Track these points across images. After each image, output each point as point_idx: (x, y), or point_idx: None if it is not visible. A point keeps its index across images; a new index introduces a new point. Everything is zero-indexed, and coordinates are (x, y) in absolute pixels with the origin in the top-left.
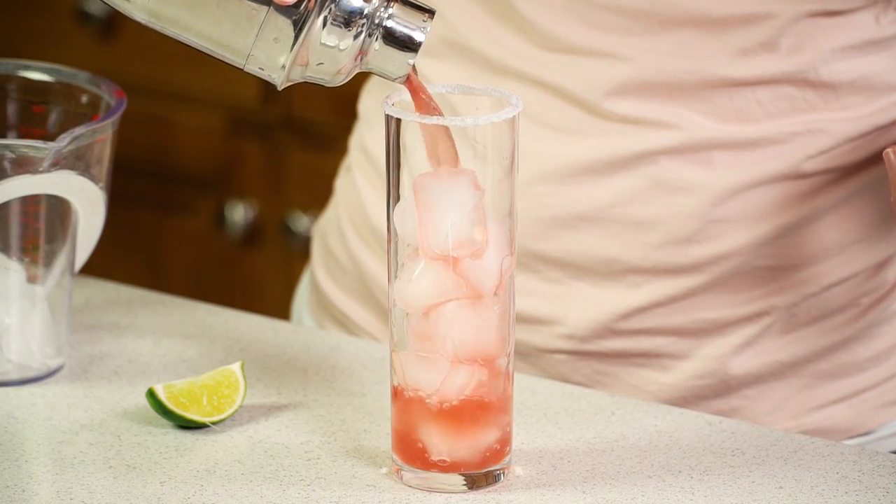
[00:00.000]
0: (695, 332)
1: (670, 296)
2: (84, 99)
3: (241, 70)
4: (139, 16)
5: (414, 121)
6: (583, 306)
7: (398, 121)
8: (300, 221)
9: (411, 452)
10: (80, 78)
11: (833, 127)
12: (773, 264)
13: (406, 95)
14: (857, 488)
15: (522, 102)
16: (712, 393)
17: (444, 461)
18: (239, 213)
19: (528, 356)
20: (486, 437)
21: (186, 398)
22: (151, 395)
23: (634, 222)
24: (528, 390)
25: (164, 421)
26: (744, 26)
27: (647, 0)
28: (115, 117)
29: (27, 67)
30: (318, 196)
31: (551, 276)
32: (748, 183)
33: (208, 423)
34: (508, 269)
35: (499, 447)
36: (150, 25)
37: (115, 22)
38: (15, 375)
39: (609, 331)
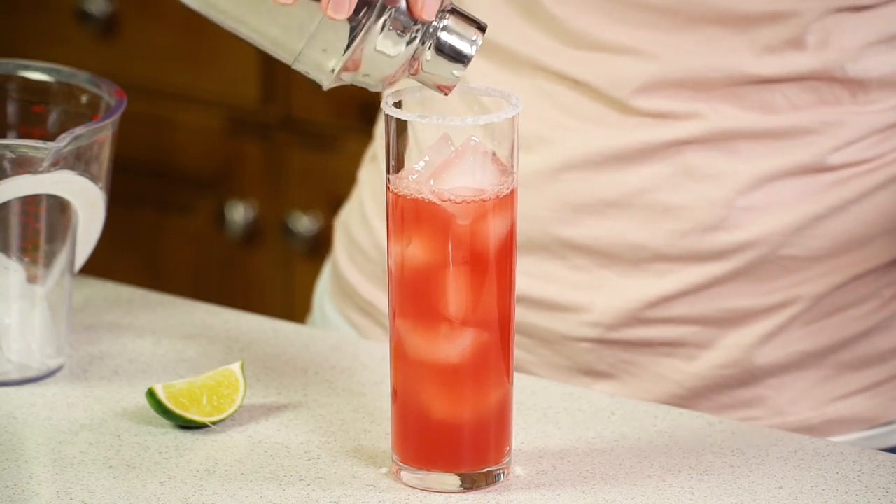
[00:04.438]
0: (720, 321)
1: (696, 284)
2: (84, 99)
3: (242, 70)
4: (192, 3)
5: (414, 121)
6: (609, 294)
7: (398, 121)
8: (300, 221)
9: (411, 449)
10: (80, 78)
11: (860, 119)
12: (800, 254)
13: (406, 95)
14: (857, 488)
15: (552, 94)
16: (736, 382)
17: (446, 420)
18: (239, 213)
19: (553, 343)
20: (487, 398)
21: (186, 398)
22: (151, 395)
23: (661, 209)
24: (528, 390)
25: (164, 421)
26: (769, 23)
27: None
28: (115, 117)
29: (27, 67)
30: (318, 196)
31: (578, 263)
32: (774, 172)
33: (208, 423)
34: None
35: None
36: (200, 12)
37: (115, 22)
38: (15, 375)
39: (635, 319)
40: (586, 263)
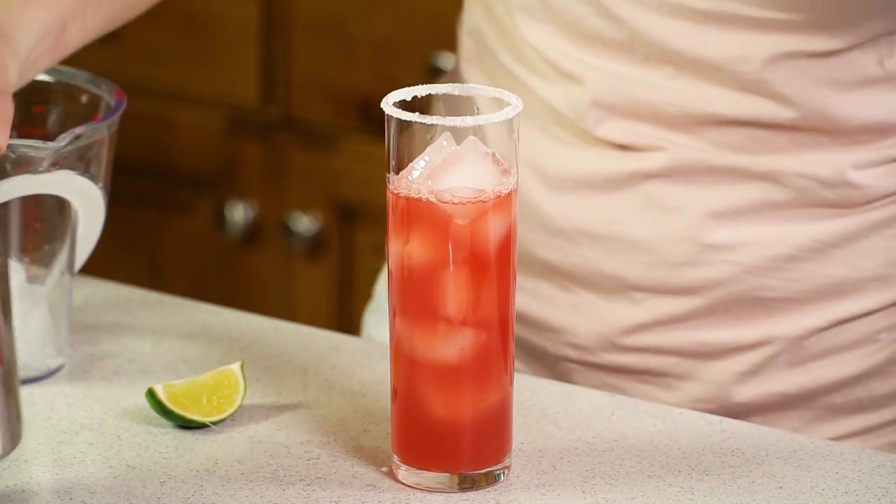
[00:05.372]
0: (696, 354)
1: (670, 315)
2: (84, 99)
3: (242, 70)
4: None
5: (414, 121)
6: (589, 318)
7: (398, 121)
8: (300, 221)
9: (412, 449)
10: (80, 78)
11: (841, 158)
12: (775, 296)
13: (406, 94)
14: (857, 488)
15: (535, 115)
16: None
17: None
18: (239, 213)
19: (544, 359)
20: (487, 398)
21: (186, 398)
22: (151, 394)
23: (629, 241)
24: (528, 390)
25: (164, 421)
26: (721, 67)
27: (625, 35)
28: (115, 117)
29: None
30: (318, 196)
31: (563, 284)
32: (741, 208)
33: (208, 423)
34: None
35: (497, 443)
36: None
37: None
38: None
39: (613, 345)
40: (571, 285)
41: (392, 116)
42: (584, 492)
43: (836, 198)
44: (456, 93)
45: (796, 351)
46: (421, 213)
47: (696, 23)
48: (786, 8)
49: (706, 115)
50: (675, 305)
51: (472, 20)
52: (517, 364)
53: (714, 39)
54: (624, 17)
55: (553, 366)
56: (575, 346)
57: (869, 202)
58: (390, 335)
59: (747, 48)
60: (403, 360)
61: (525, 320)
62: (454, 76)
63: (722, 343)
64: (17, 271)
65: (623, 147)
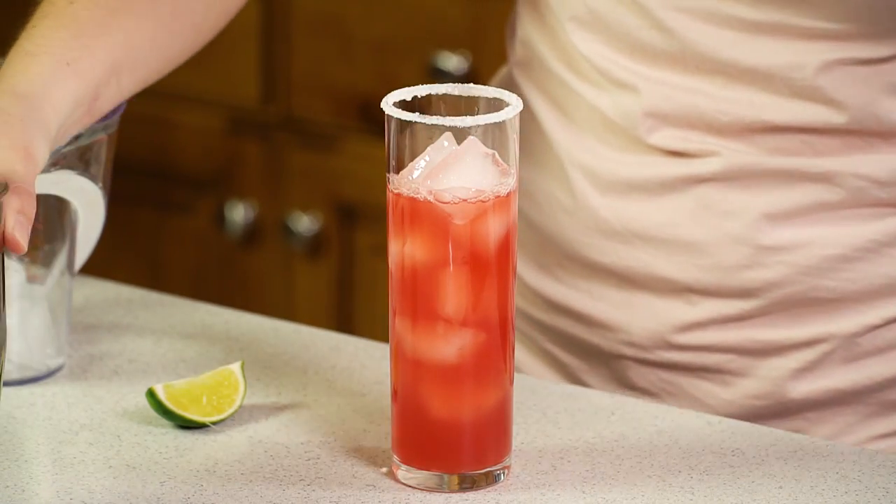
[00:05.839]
0: (752, 351)
1: (726, 315)
2: None
3: (242, 70)
4: None
5: (414, 121)
6: (644, 316)
7: (398, 121)
8: (300, 221)
9: (412, 449)
10: None
11: (894, 158)
12: (830, 296)
13: (406, 94)
14: (857, 488)
15: (589, 122)
16: (771, 413)
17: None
18: (239, 213)
19: (598, 357)
20: (487, 398)
21: (186, 398)
22: (151, 395)
23: (684, 244)
24: (528, 390)
25: (164, 421)
26: (773, 75)
27: (676, 46)
28: (115, 118)
29: None
30: (318, 196)
31: (618, 284)
32: (796, 210)
33: (208, 423)
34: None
35: (497, 442)
36: None
37: None
38: (15, 375)
39: (668, 343)
40: (624, 285)
41: (392, 116)
42: (584, 492)
43: (889, 197)
44: (456, 93)
45: (851, 348)
46: (421, 213)
47: (748, 33)
48: (838, 18)
49: (759, 122)
50: (730, 306)
51: (523, 29)
52: (574, 361)
53: (767, 49)
54: (675, 29)
55: (608, 362)
56: (630, 344)
57: None
58: (390, 335)
59: (800, 56)
60: (403, 360)
61: (579, 317)
62: (507, 82)
63: (777, 341)
64: (17, 271)
65: (676, 153)
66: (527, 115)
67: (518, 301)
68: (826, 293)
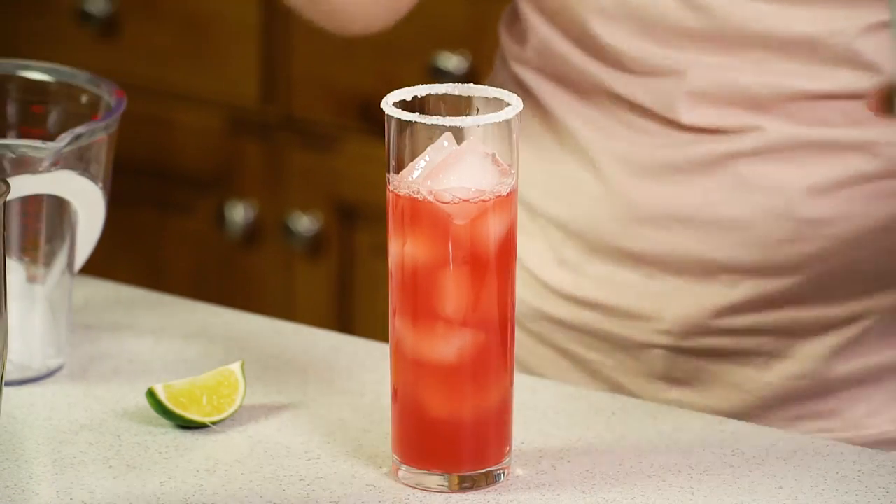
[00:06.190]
0: (792, 331)
1: (765, 294)
2: (84, 99)
3: (242, 70)
4: None
5: (414, 121)
6: (680, 303)
7: (398, 121)
8: (300, 221)
9: (411, 449)
10: (80, 78)
11: None
12: (870, 269)
13: (406, 94)
14: (857, 488)
15: (613, 112)
16: (810, 393)
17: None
18: (239, 213)
19: (630, 350)
20: (487, 398)
21: (186, 398)
22: (151, 394)
23: (725, 222)
24: (529, 390)
25: (164, 421)
26: (812, 43)
27: (712, 23)
28: (115, 117)
29: (27, 67)
30: (318, 196)
31: (649, 272)
32: (836, 182)
33: (208, 423)
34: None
35: (498, 442)
36: None
37: (115, 22)
38: (15, 375)
39: (706, 328)
40: (657, 272)
41: (392, 116)
42: (584, 492)
43: None
44: (456, 93)
45: (889, 323)
46: (421, 213)
47: (783, 5)
48: None
49: (797, 92)
50: (769, 285)
51: (532, 28)
52: (601, 358)
53: (804, 17)
54: (709, 6)
55: (638, 355)
56: (664, 333)
57: None
58: (390, 335)
59: (838, 22)
60: (403, 360)
61: (606, 310)
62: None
63: (817, 319)
64: (16, 271)
65: (712, 131)
66: (538, 112)
67: (536, 302)
68: (865, 265)
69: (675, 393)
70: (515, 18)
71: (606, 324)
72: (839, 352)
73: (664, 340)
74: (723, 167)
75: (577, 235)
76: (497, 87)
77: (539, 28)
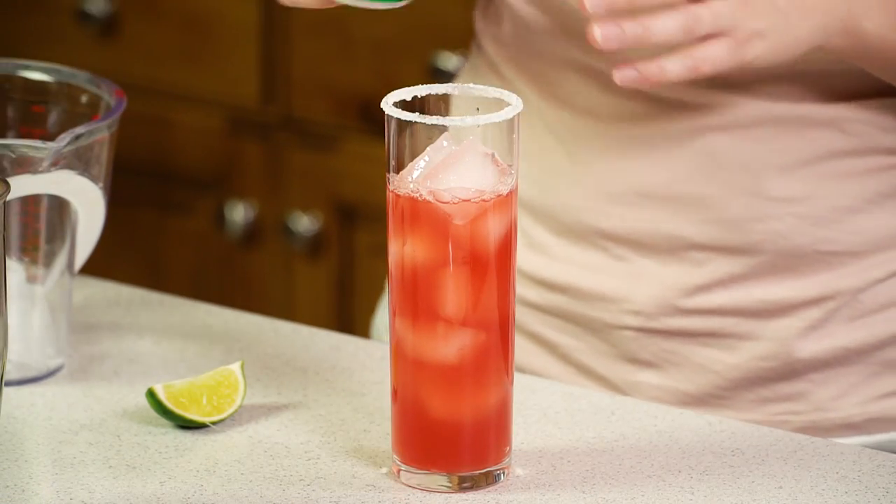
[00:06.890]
0: (759, 312)
1: (732, 274)
2: (84, 99)
3: (242, 70)
4: None
5: (414, 121)
6: (649, 283)
7: (398, 121)
8: (300, 221)
9: (411, 449)
10: (80, 78)
11: None
12: (837, 248)
13: (406, 94)
14: (857, 488)
15: (583, 89)
16: (777, 375)
17: (445, 420)
18: (239, 213)
19: (599, 332)
20: (486, 398)
21: (186, 398)
22: (151, 395)
23: (693, 198)
24: (528, 390)
25: (164, 421)
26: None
27: None
28: (115, 117)
29: (27, 67)
30: (318, 196)
31: (618, 253)
32: (806, 159)
33: (208, 423)
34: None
35: (497, 441)
36: None
37: (115, 22)
38: (15, 375)
39: (674, 309)
40: (626, 253)
41: (392, 116)
42: (584, 492)
43: (894, 146)
44: (456, 93)
45: (855, 305)
46: (420, 213)
47: None
48: None
49: (766, 69)
50: (737, 264)
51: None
52: (571, 341)
53: None
54: None
55: (608, 336)
56: (635, 314)
57: None
58: (390, 335)
59: None
60: (403, 360)
61: (577, 293)
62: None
63: (784, 300)
64: (16, 271)
65: (682, 106)
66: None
67: None
68: (832, 245)
69: (643, 375)
70: (489, 2)
71: (577, 306)
72: (806, 334)
73: (634, 322)
74: (691, 142)
75: (548, 216)
76: (471, 73)
77: (512, 4)
